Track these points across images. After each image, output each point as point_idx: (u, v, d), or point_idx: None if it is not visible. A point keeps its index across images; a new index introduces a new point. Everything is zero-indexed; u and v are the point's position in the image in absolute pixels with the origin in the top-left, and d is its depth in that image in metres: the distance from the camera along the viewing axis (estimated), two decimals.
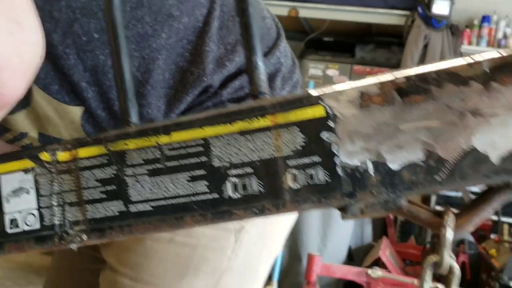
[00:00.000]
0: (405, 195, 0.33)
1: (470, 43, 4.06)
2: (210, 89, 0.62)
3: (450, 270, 0.31)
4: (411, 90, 0.32)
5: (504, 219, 2.77)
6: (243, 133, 0.36)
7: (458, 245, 2.58)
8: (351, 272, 2.48)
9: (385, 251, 2.66)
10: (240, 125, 0.36)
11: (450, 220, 0.31)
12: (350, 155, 0.34)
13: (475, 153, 0.31)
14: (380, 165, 0.33)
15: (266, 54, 0.67)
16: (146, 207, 0.38)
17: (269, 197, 0.35)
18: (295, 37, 4.36)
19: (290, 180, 0.35)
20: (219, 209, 0.36)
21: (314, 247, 2.79)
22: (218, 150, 0.36)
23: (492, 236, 2.75)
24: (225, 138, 0.36)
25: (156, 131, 0.38)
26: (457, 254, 2.56)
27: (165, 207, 0.37)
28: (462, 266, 2.55)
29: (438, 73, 0.32)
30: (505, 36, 4.20)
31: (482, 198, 0.32)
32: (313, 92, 0.35)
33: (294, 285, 2.70)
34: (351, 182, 0.34)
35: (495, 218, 2.95)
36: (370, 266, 2.48)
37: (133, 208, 0.38)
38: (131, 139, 0.38)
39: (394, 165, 0.33)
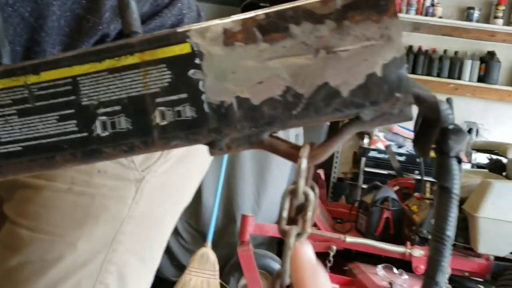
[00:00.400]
0: (266, 130, 0.34)
1: (400, 11, 4.17)
2: (106, 39, 0.61)
3: (306, 197, 0.33)
4: (270, 28, 0.33)
5: (426, 178, 2.92)
6: (111, 71, 0.36)
7: (383, 202, 2.70)
8: None
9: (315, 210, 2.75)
10: (108, 63, 0.36)
11: (305, 151, 0.33)
12: (216, 92, 0.35)
13: (328, 88, 0.33)
14: (243, 101, 0.34)
15: (167, 6, 0.66)
16: (16, 148, 0.37)
17: (137, 134, 0.36)
18: (231, 2, 4.31)
19: (158, 117, 0.35)
20: (88, 148, 0.36)
21: (249, 209, 2.84)
22: (87, 89, 0.36)
23: (416, 194, 2.90)
24: (93, 76, 0.36)
25: (24, 70, 0.37)
26: (381, 211, 2.69)
27: (35, 147, 0.37)
28: (386, 222, 2.69)
29: (295, 10, 0.33)
30: (432, 4, 4.34)
31: (335, 132, 0.34)
32: (180, 29, 0.35)
33: (229, 245, 2.75)
34: (217, 118, 0.35)
35: (418, 177, 3.11)
36: None
37: (2, 149, 0.37)
38: None
39: (255, 101, 0.34)
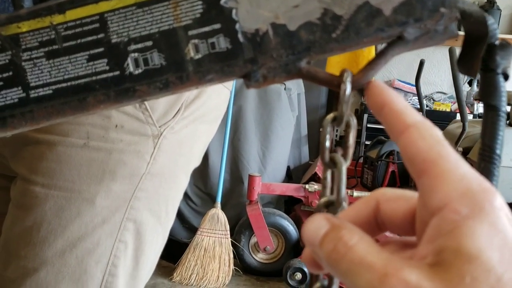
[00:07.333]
0: (304, 56, 0.33)
1: None
2: None
3: (348, 124, 0.32)
4: None
5: None
6: (140, 5, 0.34)
7: (388, 156, 2.71)
8: (290, 189, 2.57)
9: (321, 167, 2.76)
10: None
11: (348, 75, 0.32)
12: (250, 19, 0.33)
13: (369, 7, 0.32)
14: (278, 27, 0.33)
15: None
16: (47, 91, 0.36)
17: (171, 69, 0.35)
18: None
19: (192, 51, 0.34)
20: (121, 87, 0.35)
21: (255, 169, 2.86)
22: (116, 26, 0.35)
23: None
24: (121, 12, 0.35)
25: (49, 10, 0.36)
26: (387, 165, 2.70)
27: (66, 89, 0.36)
28: (392, 175, 2.70)
29: None
30: None
31: (377, 54, 0.33)
32: None
33: (238, 205, 2.78)
34: (252, 47, 0.34)
35: None
36: (307, 182, 2.58)
37: (33, 94, 0.36)
38: (24, 22, 0.36)
39: (292, 26, 0.33)
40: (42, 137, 0.69)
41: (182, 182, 0.80)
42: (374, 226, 0.32)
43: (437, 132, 0.28)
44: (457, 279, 0.23)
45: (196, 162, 0.83)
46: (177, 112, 0.73)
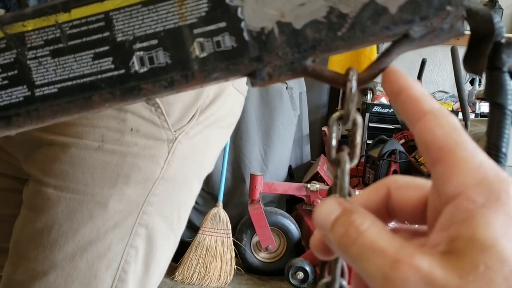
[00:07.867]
0: (309, 54, 0.33)
1: None
2: None
3: (354, 122, 0.32)
4: None
5: None
6: (145, 3, 0.34)
7: (390, 155, 2.71)
8: (291, 188, 2.57)
9: (322, 166, 2.77)
10: None
11: (354, 74, 0.32)
12: (255, 18, 0.33)
13: (374, 5, 0.32)
14: (284, 26, 0.33)
15: None
16: (52, 89, 0.36)
17: (177, 68, 0.35)
18: None
19: (197, 49, 0.34)
20: (127, 85, 0.35)
21: (257, 169, 2.86)
22: (121, 24, 0.35)
23: None
24: (127, 10, 0.35)
25: (54, 9, 0.36)
26: (389, 164, 2.70)
27: (72, 87, 0.36)
28: (394, 174, 2.70)
29: None
30: None
31: (383, 53, 0.33)
32: None
33: (240, 204, 2.78)
34: (258, 45, 0.34)
35: None
36: (309, 182, 2.58)
37: (38, 92, 0.36)
38: (29, 20, 0.36)
39: (297, 25, 0.33)
40: (55, 139, 0.68)
41: (194, 188, 0.79)
42: (384, 213, 0.32)
43: (454, 119, 0.28)
44: (470, 267, 0.23)
45: (209, 168, 0.82)
46: (192, 117, 0.73)
